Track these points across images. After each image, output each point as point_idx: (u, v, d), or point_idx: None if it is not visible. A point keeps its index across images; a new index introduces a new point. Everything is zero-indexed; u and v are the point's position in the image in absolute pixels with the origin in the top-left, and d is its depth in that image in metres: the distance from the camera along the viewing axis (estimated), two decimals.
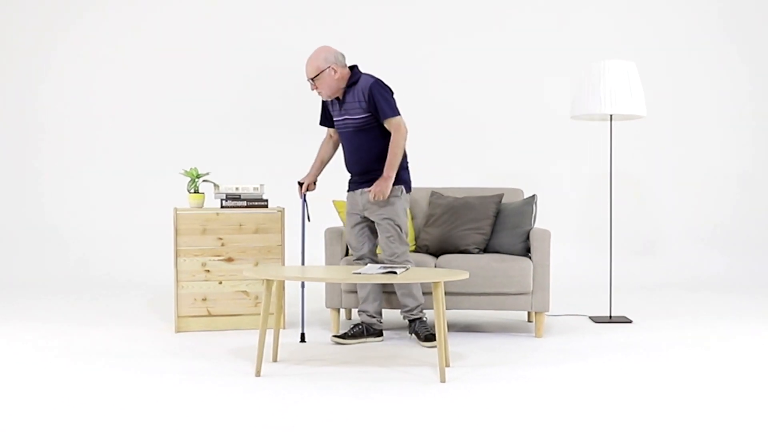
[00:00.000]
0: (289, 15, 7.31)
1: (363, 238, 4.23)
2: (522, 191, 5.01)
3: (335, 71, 4.00)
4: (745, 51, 7.31)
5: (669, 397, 3.10)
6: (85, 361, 3.72)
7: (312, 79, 4.03)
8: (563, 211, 7.27)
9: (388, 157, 3.98)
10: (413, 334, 4.23)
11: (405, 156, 4.13)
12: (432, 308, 4.54)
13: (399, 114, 4.00)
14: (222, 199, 4.66)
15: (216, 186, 4.65)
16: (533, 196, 4.63)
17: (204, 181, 4.68)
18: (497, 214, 4.70)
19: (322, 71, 4.01)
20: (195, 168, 4.78)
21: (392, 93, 4.03)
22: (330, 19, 7.30)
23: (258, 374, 3.44)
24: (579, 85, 5.08)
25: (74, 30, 7.35)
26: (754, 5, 7.30)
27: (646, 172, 7.31)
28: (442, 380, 3.33)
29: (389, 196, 4.05)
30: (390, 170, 3.97)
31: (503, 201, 4.94)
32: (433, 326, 4.34)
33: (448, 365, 3.67)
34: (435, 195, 4.90)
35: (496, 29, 7.30)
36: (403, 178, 4.10)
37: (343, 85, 4.05)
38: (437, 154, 7.27)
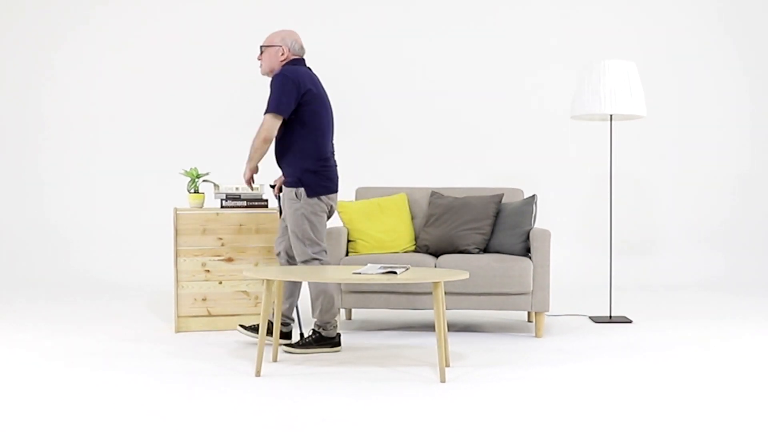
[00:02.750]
0: (290, 16, 7.31)
1: (283, 236, 4.16)
2: (522, 191, 5.01)
3: (283, 53, 4.01)
4: (745, 51, 7.31)
5: (669, 397, 3.10)
6: (85, 361, 3.72)
7: (262, 48, 4.05)
8: (563, 211, 7.27)
9: None
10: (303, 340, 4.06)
11: (316, 157, 3.95)
12: (432, 308, 4.54)
13: (275, 111, 3.84)
14: (222, 199, 4.66)
15: (216, 186, 4.65)
16: (533, 196, 4.63)
17: (204, 181, 4.68)
18: (497, 214, 4.70)
19: (273, 46, 4.02)
20: (195, 168, 4.78)
21: (292, 90, 3.86)
22: (330, 19, 7.30)
23: (258, 374, 3.44)
24: (579, 85, 5.08)
25: (76, 31, 7.35)
26: (754, 6, 7.30)
27: (646, 172, 7.31)
28: (442, 380, 3.33)
29: (285, 200, 4.01)
30: (248, 161, 3.97)
31: (503, 201, 4.94)
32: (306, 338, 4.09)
33: (448, 365, 3.67)
34: (435, 195, 4.90)
35: (497, 29, 7.30)
36: (304, 180, 3.94)
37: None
38: (437, 154, 7.27)
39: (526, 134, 7.29)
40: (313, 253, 3.97)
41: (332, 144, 4.08)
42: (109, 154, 7.34)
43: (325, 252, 4.01)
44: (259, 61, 4.07)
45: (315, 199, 3.95)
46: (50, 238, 7.23)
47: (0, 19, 7.36)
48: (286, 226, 4.14)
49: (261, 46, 4.06)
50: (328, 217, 4.10)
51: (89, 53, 7.35)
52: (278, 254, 4.19)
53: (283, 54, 4.01)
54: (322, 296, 3.98)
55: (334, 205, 4.06)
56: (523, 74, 7.30)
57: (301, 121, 3.92)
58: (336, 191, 4.04)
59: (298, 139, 3.93)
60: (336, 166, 4.06)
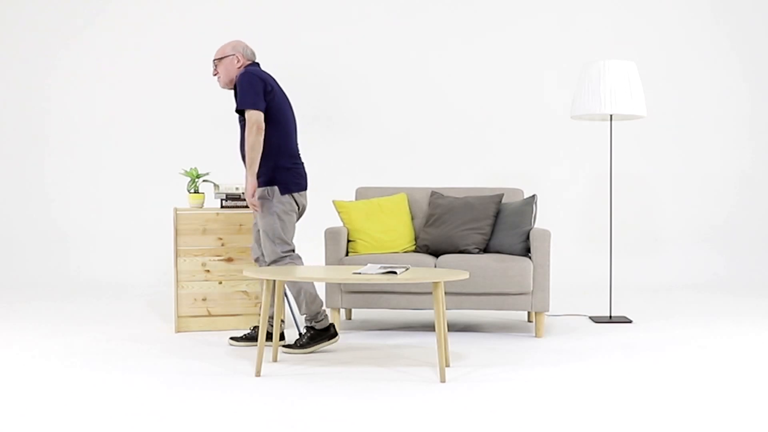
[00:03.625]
0: (291, 16, 7.31)
1: (259, 241, 4.17)
2: (522, 191, 5.01)
3: (238, 60, 4.05)
4: (744, 51, 7.31)
5: (669, 397, 3.10)
6: (85, 361, 3.72)
7: (215, 62, 4.08)
8: (563, 211, 7.27)
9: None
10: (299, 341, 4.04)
11: (288, 155, 3.98)
12: (432, 308, 4.54)
13: (253, 107, 3.85)
14: (222, 199, 4.67)
15: (216, 186, 4.65)
16: (533, 196, 4.63)
17: (204, 181, 4.68)
18: (497, 214, 4.70)
19: (227, 56, 4.06)
20: (195, 168, 4.78)
21: (260, 85, 3.88)
22: (332, 20, 7.30)
23: (258, 374, 3.44)
24: (579, 85, 5.08)
25: (77, 34, 7.35)
26: (754, 5, 7.30)
27: (646, 172, 7.31)
28: (442, 380, 3.33)
29: (258, 198, 3.99)
30: (247, 169, 3.90)
31: (503, 201, 4.94)
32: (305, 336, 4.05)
33: (448, 365, 3.67)
34: (435, 195, 4.90)
35: (497, 29, 7.30)
36: (278, 178, 3.95)
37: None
38: (437, 154, 7.27)
39: (526, 134, 7.29)
40: (283, 252, 3.98)
41: (297, 144, 4.12)
42: (109, 154, 7.34)
43: (293, 251, 4.02)
44: (215, 76, 4.11)
45: (287, 197, 3.98)
46: (50, 238, 7.23)
47: (3, 21, 7.36)
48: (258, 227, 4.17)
49: (214, 60, 4.10)
50: (299, 217, 4.12)
51: (91, 55, 7.35)
52: (257, 260, 4.21)
53: (238, 61, 4.06)
54: (302, 291, 3.98)
55: (305, 203, 4.09)
56: (523, 74, 7.30)
57: (269, 119, 3.95)
58: (306, 188, 4.08)
59: (268, 137, 3.95)
60: (303, 164, 4.11)
